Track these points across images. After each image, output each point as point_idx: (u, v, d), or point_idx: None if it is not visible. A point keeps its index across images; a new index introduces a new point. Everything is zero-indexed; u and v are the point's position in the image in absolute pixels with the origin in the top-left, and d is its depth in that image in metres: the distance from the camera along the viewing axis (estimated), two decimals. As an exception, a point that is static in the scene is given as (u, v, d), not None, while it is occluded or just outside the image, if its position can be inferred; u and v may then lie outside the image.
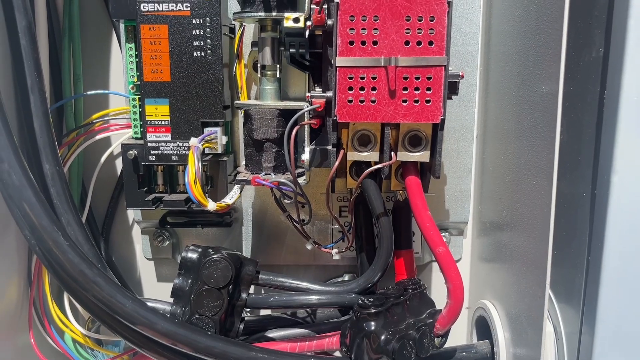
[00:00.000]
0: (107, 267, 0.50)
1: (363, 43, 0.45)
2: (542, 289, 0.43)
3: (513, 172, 0.51)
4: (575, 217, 0.47)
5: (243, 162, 0.56)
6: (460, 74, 0.49)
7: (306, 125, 0.49)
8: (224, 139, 0.56)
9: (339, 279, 0.65)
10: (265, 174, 0.52)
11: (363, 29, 0.45)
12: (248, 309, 0.53)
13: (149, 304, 0.51)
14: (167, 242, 0.64)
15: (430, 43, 0.45)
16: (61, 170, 0.48)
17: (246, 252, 0.64)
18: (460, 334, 0.65)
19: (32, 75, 0.46)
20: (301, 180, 0.51)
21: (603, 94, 0.44)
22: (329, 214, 0.63)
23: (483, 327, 0.58)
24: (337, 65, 0.45)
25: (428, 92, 0.46)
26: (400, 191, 0.55)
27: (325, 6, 0.47)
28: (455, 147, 0.60)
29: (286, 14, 0.48)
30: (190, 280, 0.51)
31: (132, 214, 0.65)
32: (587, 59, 0.46)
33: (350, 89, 0.46)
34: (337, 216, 0.62)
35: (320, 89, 0.52)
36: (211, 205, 0.50)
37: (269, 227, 0.63)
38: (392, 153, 0.48)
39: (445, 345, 0.51)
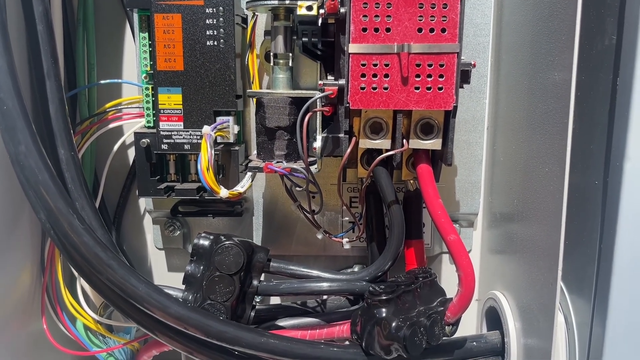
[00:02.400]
0: (120, 253, 0.51)
1: (376, 30, 0.45)
2: (554, 278, 0.43)
3: (524, 161, 0.51)
4: (587, 206, 0.47)
5: (254, 152, 0.57)
6: (473, 62, 0.49)
7: (318, 113, 0.49)
8: (236, 128, 0.56)
9: (349, 270, 0.65)
10: (277, 162, 0.52)
11: (376, 15, 0.45)
12: (259, 298, 0.53)
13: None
14: (178, 231, 0.65)
15: (443, 30, 0.45)
16: (76, 156, 0.48)
17: (256, 242, 0.64)
18: (469, 326, 0.65)
19: (49, 61, 0.46)
20: (313, 168, 0.51)
21: (616, 81, 0.44)
22: (339, 205, 0.63)
23: (493, 318, 0.58)
24: (349, 52, 0.46)
25: (440, 80, 0.46)
26: (411, 181, 0.55)
27: (338, -6, 0.47)
28: (466, 138, 0.61)
29: (299, 2, 0.49)
30: (202, 267, 0.51)
31: (144, 203, 0.65)
32: (600, 47, 0.46)
33: (363, 75, 0.46)
34: (348, 204, 0.62)
35: (333, 78, 0.53)
36: (223, 193, 0.51)
37: (279, 218, 0.63)
38: (404, 140, 0.48)
39: (455, 336, 0.51)
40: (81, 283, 0.57)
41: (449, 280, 0.65)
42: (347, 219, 0.63)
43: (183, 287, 0.52)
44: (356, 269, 0.65)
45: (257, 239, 0.64)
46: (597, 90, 0.46)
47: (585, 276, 0.48)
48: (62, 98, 0.47)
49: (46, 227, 0.45)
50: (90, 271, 0.44)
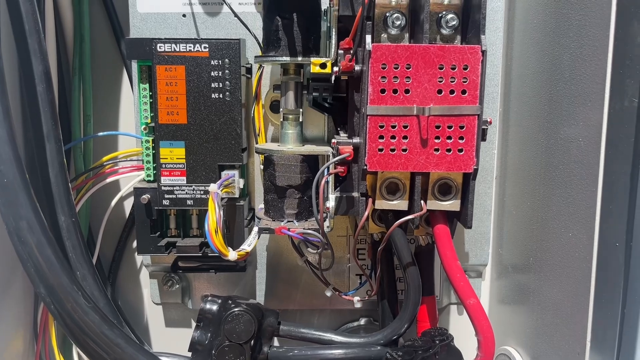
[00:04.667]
0: (122, 322, 0.48)
1: (395, 91, 0.44)
2: (582, 345, 0.42)
3: (542, 219, 0.50)
4: (607, 267, 0.46)
5: (260, 206, 0.55)
6: (489, 120, 0.48)
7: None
8: (241, 183, 0.54)
9: (355, 324, 0.63)
10: (288, 221, 0.50)
11: (395, 77, 0.44)
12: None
13: (166, 358, 0.49)
14: (177, 285, 0.62)
15: (464, 92, 0.44)
16: (77, 222, 0.45)
17: (259, 296, 0.61)
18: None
19: (49, 123, 0.43)
20: (325, 227, 0.49)
21: (638, 143, 0.43)
22: (344, 256, 0.61)
23: (506, 375, 0.57)
24: (368, 113, 0.44)
25: (461, 141, 0.45)
26: (423, 236, 0.54)
27: (352, 52, 0.46)
28: (475, 188, 0.59)
29: (312, 59, 0.47)
30: (209, 334, 0.48)
31: (141, 257, 0.62)
32: (618, 108, 0.45)
33: (381, 137, 0.44)
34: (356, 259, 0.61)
35: (345, 135, 0.51)
36: (232, 255, 0.48)
37: (283, 270, 0.61)
38: (422, 202, 0.47)
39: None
40: (77, 350, 0.54)
41: (458, 332, 0.63)
42: (352, 265, 0.61)
43: (189, 354, 0.49)
44: (362, 322, 0.63)
45: (259, 292, 0.62)
46: (617, 151, 0.45)
47: (606, 337, 0.47)
48: (62, 162, 0.44)
49: (46, 302, 0.41)
50: (96, 350, 0.41)
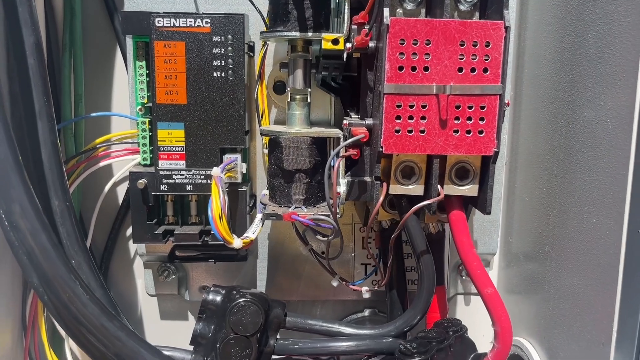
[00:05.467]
0: (120, 313, 0.45)
1: (413, 69, 0.41)
2: (607, 335, 0.40)
3: (560, 206, 0.48)
4: (633, 254, 0.44)
5: (263, 192, 0.52)
6: (507, 102, 0.46)
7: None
8: (244, 167, 0.51)
9: (360, 315, 0.61)
10: (296, 207, 0.47)
11: (414, 53, 0.41)
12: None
13: (166, 352, 0.46)
14: (173, 276, 0.59)
15: (485, 70, 0.42)
16: (71, 206, 0.42)
17: (260, 286, 0.59)
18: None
19: (41, 99, 0.40)
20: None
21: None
22: (350, 245, 0.59)
23: (517, 366, 0.55)
24: (385, 92, 0.41)
25: (481, 123, 0.42)
26: (434, 224, 0.52)
27: (367, 27, 0.43)
28: (486, 174, 0.57)
29: (324, 34, 0.44)
30: (213, 326, 0.45)
31: (134, 246, 0.59)
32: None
33: (398, 118, 0.42)
34: (361, 247, 0.58)
35: (357, 116, 0.48)
36: (237, 243, 0.46)
37: (286, 260, 0.59)
38: (439, 187, 0.44)
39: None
40: (70, 344, 0.50)
41: (466, 324, 0.62)
42: (356, 254, 0.59)
43: (190, 348, 0.46)
44: (367, 313, 0.61)
45: (260, 283, 0.59)
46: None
47: (627, 328, 0.45)
48: (55, 142, 0.41)
49: (39, 292, 0.38)
50: (93, 343, 0.38)
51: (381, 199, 0.44)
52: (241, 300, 0.45)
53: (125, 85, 0.54)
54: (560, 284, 0.48)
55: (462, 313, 0.62)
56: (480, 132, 0.43)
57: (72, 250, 0.42)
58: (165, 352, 0.46)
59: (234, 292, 0.46)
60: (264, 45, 0.51)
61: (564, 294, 0.47)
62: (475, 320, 0.58)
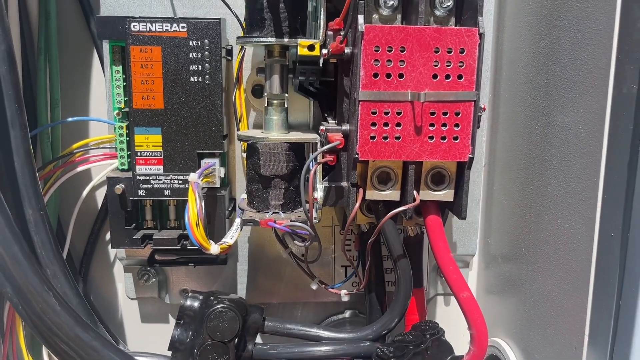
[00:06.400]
0: (97, 321, 0.45)
1: (388, 76, 0.41)
2: (579, 339, 0.41)
3: (536, 210, 0.48)
4: (605, 259, 0.45)
5: (242, 196, 0.52)
6: (483, 107, 0.46)
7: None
8: (222, 171, 0.51)
9: (340, 316, 0.61)
10: (274, 212, 0.48)
11: (389, 60, 0.41)
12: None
13: (144, 358, 0.46)
14: (153, 279, 0.59)
15: (460, 77, 0.42)
16: (45, 215, 0.42)
17: (241, 289, 0.59)
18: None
19: (12, 108, 0.39)
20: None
21: (637, 132, 0.42)
22: (329, 247, 0.59)
23: (495, 367, 0.56)
24: (360, 99, 0.41)
25: (456, 129, 0.43)
26: (412, 227, 0.52)
27: (342, 33, 0.43)
28: (466, 177, 0.58)
29: (300, 40, 0.44)
30: (191, 332, 0.46)
31: (114, 250, 0.59)
32: (616, 95, 0.44)
33: (374, 124, 0.42)
34: (343, 250, 0.59)
35: (334, 121, 0.48)
36: (214, 249, 0.46)
37: (266, 263, 0.59)
38: (415, 192, 0.45)
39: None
40: (48, 350, 0.50)
41: (445, 323, 0.62)
42: (336, 255, 0.59)
43: (169, 353, 0.46)
44: (347, 314, 0.62)
45: (241, 286, 0.59)
46: (616, 140, 0.44)
47: (601, 330, 0.46)
48: (28, 150, 0.41)
49: (13, 302, 0.38)
50: (69, 354, 0.38)
51: (357, 205, 0.44)
52: (219, 306, 0.45)
53: (103, 89, 0.54)
54: (535, 286, 0.49)
55: (442, 314, 0.63)
56: (455, 138, 0.43)
57: (47, 259, 0.42)
58: (143, 359, 0.47)
59: (212, 298, 0.47)
60: (241, 50, 0.51)
61: (539, 296, 0.48)
62: (454, 320, 0.58)
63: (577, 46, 0.42)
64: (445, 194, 0.45)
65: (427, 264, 0.59)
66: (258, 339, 0.49)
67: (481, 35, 0.41)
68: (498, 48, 0.56)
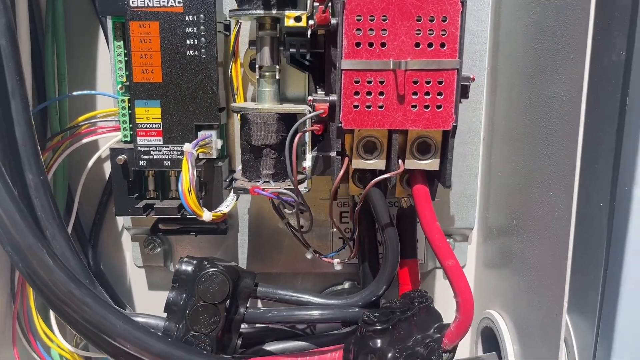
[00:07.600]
0: (95, 282, 0.47)
1: (370, 45, 0.42)
2: (560, 306, 0.41)
3: (525, 179, 0.48)
4: (590, 228, 0.45)
5: (239, 167, 0.53)
6: (471, 77, 0.46)
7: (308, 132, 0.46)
8: (219, 143, 0.53)
9: (339, 287, 0.63)
10: (264, 182, 0.49)
11: (371, 29, 0.42)
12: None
13: (141, 319, 0.49)
14: (159, 249, 0.61)
15: (442, 45, 0.42)
16: (45, 180, 0.44)
17: (241, 259, 0.61)
18: (463, 344, 0.63)
19: (13, 79, 0.42)
20: (302, 187, 0.48)
21: (625, 100, 0.42)
22: (328, 219, 0.60)
23: (489, 338, 0.56)
24: (342, 68, 0.42)
25: (439, 97, 0.43)
26: (405, 198, 0.53)
27: (329, 4, 0.44)
28: (462, 150, 0.58)
29: (287, 12, 0.45)
30: (184, 295, 0.48)
31: (122, 220, 0.61)
32: (607, 63, 0.44)
33: (357, 93, 0.43)
34: (338, 222, 0.60)
35: (323, 92, 0.49)
36: (206, 216, 0.47)
37: (266, 234, 0.60)
38: (400, 161, 0.45)
39: (451, 358, 0.49)
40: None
41: (443, 296, 0.63)
42: (336, 231, 0.60)
43: (165, 315, 0.48)
44: (347, 285, 0.63)
45: (242, 256, 0.61)
46: (603, 108, 0.43)
47: (588, 299, 0.46)
48: (28, 119, 0.43)
49: (14, 260, 0.41)
50: (64, 309, 0.40)
51: (341, 172, 0.45)
52: (210, 270, 0.47)
53: (108, 64, 0.56)
54: (524, 257, 0.49)
55: (441, 286, 0.63)
56: (439, 106, 0.43)
57: (47, 222, 0.44)
58: (142, 319, 0.49)
59: (205, 262, 0.48)
60: (237, 24, 0.52)
61: (527, 267, 0.48)
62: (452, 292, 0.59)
63: (560, 12, 0.42)
64: (430, 163, 0.46)
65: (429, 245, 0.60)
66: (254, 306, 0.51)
67: (463, 3, 0.41)
68: (496, 19, 0.55)
